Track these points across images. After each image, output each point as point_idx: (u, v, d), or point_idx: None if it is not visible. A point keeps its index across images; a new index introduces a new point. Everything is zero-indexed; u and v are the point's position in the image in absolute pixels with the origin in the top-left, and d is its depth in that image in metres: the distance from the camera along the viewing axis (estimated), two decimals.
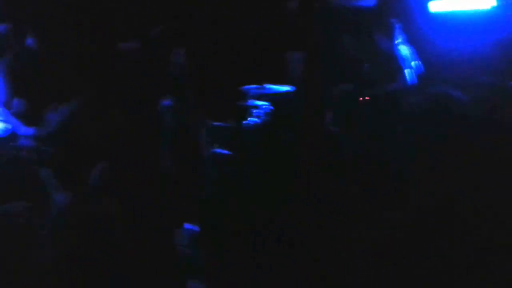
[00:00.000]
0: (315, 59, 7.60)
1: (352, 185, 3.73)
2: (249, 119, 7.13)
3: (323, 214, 3.08)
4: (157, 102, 6.22)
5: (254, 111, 7.14)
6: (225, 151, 6.76)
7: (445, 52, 7.34)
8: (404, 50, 7.00)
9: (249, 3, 7.67)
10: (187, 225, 5.28)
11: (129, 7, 7.20)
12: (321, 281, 2.32)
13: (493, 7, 7.43)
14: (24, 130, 5.23)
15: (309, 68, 7.65)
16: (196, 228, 4.98)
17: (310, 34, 7.62)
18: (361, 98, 6.05)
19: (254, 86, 7.09)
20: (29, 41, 5.36)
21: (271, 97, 7.22)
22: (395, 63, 6.89)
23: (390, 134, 5.96)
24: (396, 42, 7.01)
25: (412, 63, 7.03)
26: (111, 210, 2.42)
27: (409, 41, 7.28)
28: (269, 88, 7.13)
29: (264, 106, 7.13)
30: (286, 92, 7.19)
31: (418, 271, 1.88)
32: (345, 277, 2.43)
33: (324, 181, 3.45)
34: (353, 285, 2.15)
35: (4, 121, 5.33)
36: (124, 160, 3.77)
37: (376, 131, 6.12)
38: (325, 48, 7.61)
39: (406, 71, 6.87)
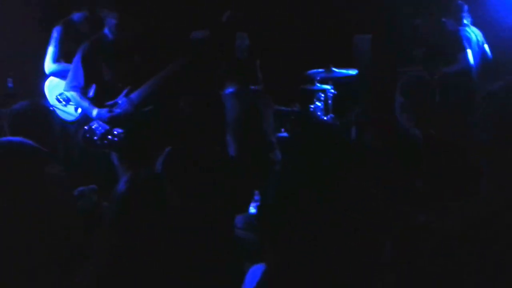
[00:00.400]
0: (382, 41, 7.51)
1: (419, 171, 3.66)
2: (315, 103, 7.11)
3: (385, 200, 3.05)
4: (223, 89, 6.25)
5: (320, 95, 7.11)
6: (290, 135, 6.78)
7: None
8: (471, 32, 6.86)
9: None
10: (250, 211, 5.35)
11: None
12: (381, 267, 2.32)
13: None
14: (97, 114, 5.34)
15: (376, 51, 7.56)
16: (257, 213, 5.03)
17: (378, 17, 7.52)
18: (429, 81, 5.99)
19: (320, 70, 7.06)
20: (106, 29, 5.45)
21: (338, 80, 7.19)
22: (462, 45, 6.75)
23: (463, 120, 5.85)
24: (463, 23, 6.88)
25: (478, 46, 6.90)
26: (172, 195, 2.46)
27: (482, 23, 7.12)
28: (335, 72, 7.08)
29: (330, 90, 7.10)
30: (353, 76, 7.14)
31: (479, 266, 1.84)
32: (406, 264, 2.42)
33: (390, 166, 3.40)
34: (414, 272, 2.15)
35: (79, 106, 5.46)
36: (189, 146, 3.82)
37: (446, 116, 6.02)
38: (393, 30, 7.50)
39: (471, 53, 6.74)
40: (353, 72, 7.06)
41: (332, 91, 7.05)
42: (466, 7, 6.87)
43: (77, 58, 5.41)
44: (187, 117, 6.08)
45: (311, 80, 7.09)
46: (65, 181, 2.91)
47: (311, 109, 7.06)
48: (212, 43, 6.47)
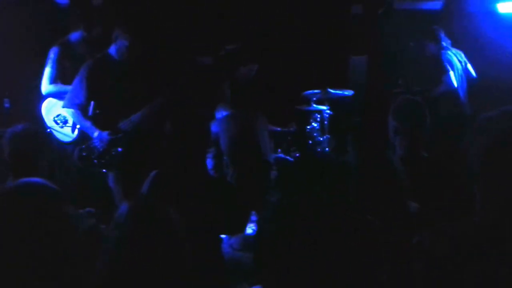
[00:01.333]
0: (378, 63, 7.57)
1: (412, 192, 3.67)
2: (311, 124, 7.13)
3: (380, 221, 3.06)
4: (218, 112, 6.30)
5: (316, 115, 7.13)
6: (287, 156, 6.78)
7: None
8: (452, 54, 7.06)
9: (313, 9, 7.70)
10: (247, 232, 5.34)
11: (206, 28, 7.38)
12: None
13: None
14: (99, 135, 5.33)
15: (371, 72, 7.61)
16: (254, 233, 5.03)
17: (374, 39, 7.59)
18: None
19: (316, 91, 7.09)
20: (113, 49, 5.45)
21: (333, 101, 7.21)
22: (444, 67, 6.94)
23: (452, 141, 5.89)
24: (444, 46, 7.07)
25: (461, 67, 7.03)
26: (165, 217, 2.46)
27: (475, 46, 7.30)
28: (331, 93, 7.11)
29: (326, 111, 7.12)
30: (348, 96, 7.17)
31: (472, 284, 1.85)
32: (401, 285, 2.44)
33: (384, 184, 3.41)
34: None
35: (80, 124, 5.42)
36: (174, 170, 3.83)
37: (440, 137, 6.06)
38: (389, 52, 7.58)
39: (454, 74, 6.87)
40: (349, 93, 7.10)
41: (328, 111, 7.07)
42: (441, 30, 7.09)
43: (80, 75, 5.43)
44: (173, 139, 6.10)
45: (307, 101, 7.11)
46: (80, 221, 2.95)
47: (307, 130, 7.08)
48: (215, 69, 6.57)
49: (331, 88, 6.97)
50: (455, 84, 6.89)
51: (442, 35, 7.06)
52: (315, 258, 2.14)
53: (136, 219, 2.40)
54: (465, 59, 7.09)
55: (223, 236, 4.37)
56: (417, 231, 2.53)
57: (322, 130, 7.04)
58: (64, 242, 2.26)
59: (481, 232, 2.00)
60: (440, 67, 6.92)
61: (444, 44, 7.04)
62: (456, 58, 7.03)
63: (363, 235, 2.50)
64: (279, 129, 6.91)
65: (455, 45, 7.23)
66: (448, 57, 6.97)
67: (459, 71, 7.00)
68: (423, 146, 4.13)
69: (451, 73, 6.88)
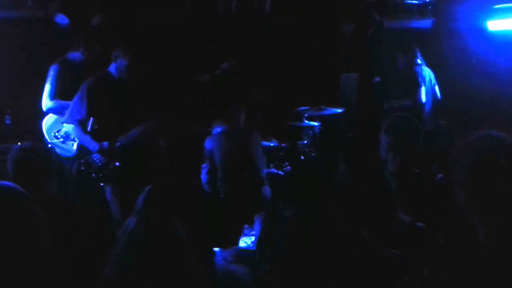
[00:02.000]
0: (368, 80, 7.67)
1: (408, 214, 3.74)
2: (303, 139, 7.23)
3: (377, 242, 3.11)
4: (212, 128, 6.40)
5: (308, 131, 7.23)
6: (280, 172, 6.86)
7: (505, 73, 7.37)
8: (426, 71, 7.27)
9: (305, 27, 7.82)
10: (240, 245, 5.44)
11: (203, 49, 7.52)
12: None
13: None
14: (96, 148, 5.42)
15: (362, 89, 7.70)
16: (251, 245, 5.13)
17: (364, 56, 7.70)
18: None
19: (308, 107, 7.18)
20: (113, 67, 5.53)
21: (325, 118, 7.31)
22: (417, 81, 7.18)
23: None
24: (418, 63, 7.28)
25: (431, 85, 7.22)
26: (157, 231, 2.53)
27: (465, 63, 7.52)
28: (323, 109, 7.21)
29: (318, 127, 7.22)
30: (340, 113, 7.27)
31: None
32: None
33: (380, 204, 3.47)
34: None
35: (79, 139, 5.53)
36: (168, 184, 3.91)
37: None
38: (379, 69, 7.69)
39: (425, 90, 7.17)
40: (340, 109, 7.21)
41: (320, 128, 7.17)
42: (417, 48, 7.33)
43: (81, 92, 5.54)
44: (167, 154, 6.18)
45: (299, 117, 7.20)
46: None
47: (299, 146, 7.17)
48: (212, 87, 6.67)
49: (323, 105, 7.11)
50: (424, 99, 7.16)
51: (418, 52, 7.30)
52: (329, 272, 2.21)
53: (144, 228, 2.49)
54: (434, 80, 7.34)
55: (216, 249, 4.46)
56: (418, 254, 2.59)
57: (313, 146, 7.14)
58: (33, 244, 2.32)
59: (489, 256, 2.06)
60: (414, 81, 7.17)
61: (419, 61, 7.28)
62: (428, 76, 7.27)
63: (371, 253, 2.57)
64: (271, 144, 6.98)
65: (445, 63, 7.41)
66: (424, 73, 7.23)
67: (429, 89, 7.25)
68: (415, 162, 4.21)
69: (423, 89, 7.15)
